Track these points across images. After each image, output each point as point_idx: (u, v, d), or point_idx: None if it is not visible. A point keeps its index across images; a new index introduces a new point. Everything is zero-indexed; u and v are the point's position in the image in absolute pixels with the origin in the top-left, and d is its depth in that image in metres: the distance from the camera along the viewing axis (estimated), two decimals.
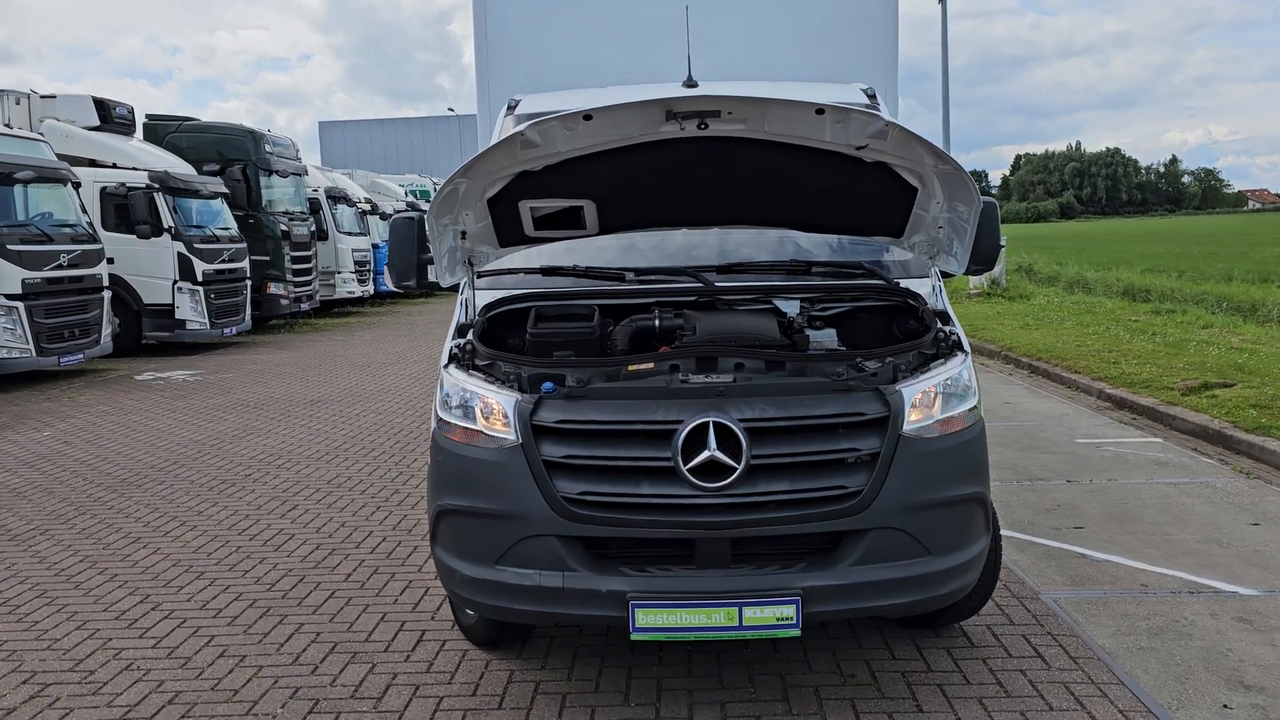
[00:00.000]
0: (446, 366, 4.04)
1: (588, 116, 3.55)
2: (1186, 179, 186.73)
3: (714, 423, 3.50)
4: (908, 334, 4.41)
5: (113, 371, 14.92)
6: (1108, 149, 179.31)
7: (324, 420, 10.35)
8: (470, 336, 4.07)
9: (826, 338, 4.25)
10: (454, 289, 4.54)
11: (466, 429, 3.78)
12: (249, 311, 18.47)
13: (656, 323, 4.26)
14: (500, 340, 4.37)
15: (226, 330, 17.54)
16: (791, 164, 3.89)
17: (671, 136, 3.72)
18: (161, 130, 19.94)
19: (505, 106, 5.22)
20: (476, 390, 3.80)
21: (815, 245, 4.87)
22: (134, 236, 16.19)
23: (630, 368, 3.75)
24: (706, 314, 4.28)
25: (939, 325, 4.06)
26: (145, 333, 16.74)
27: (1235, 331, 14.99)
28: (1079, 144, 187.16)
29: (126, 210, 16.24)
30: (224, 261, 17.43)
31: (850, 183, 4.00)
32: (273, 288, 20.07)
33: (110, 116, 17.28)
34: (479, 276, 4.50)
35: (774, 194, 4.17)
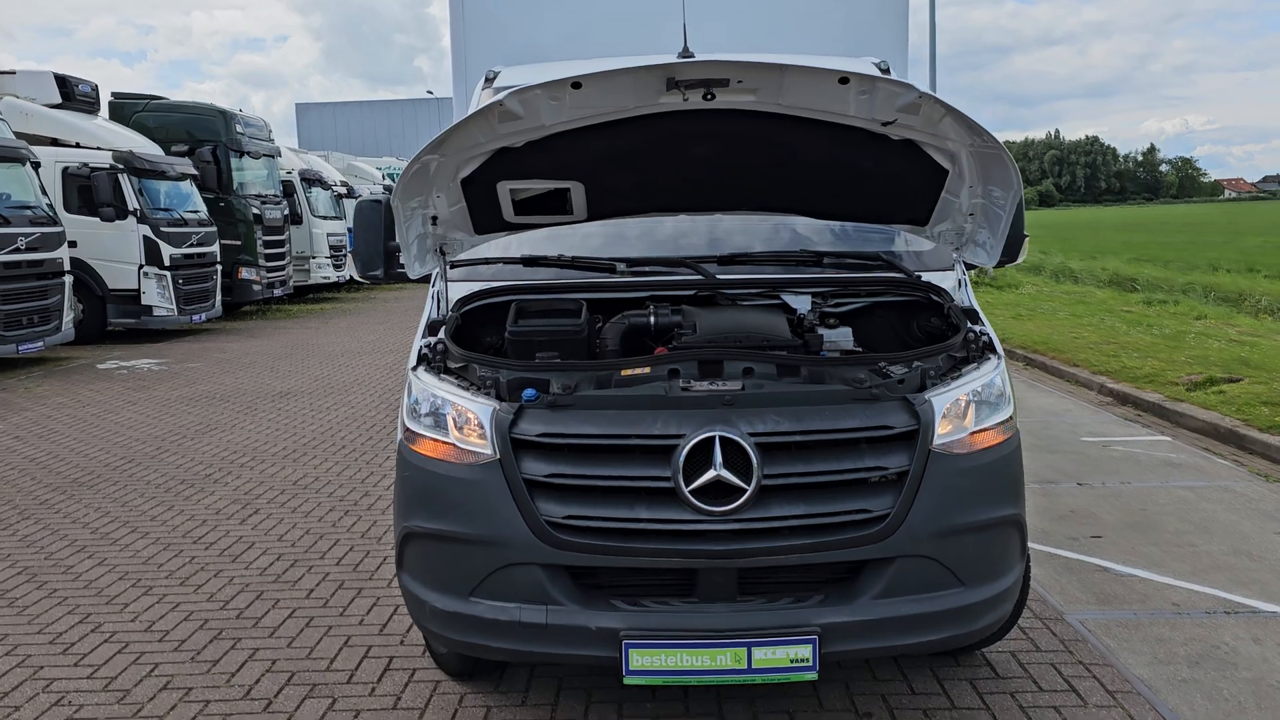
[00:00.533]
0: (415, 369, 3.58)
1: (576, 84, 3.08)
2: (1164, 168, 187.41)
3: (720, 437, 3.06)
4: (930, 334, 3.98)
5: (74, 360, 14.33)
6: (1087, 137, 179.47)
7: (293, 414, 9.85)
8: (442, 335, 3.61)
9: (842, 337, 3.81)
10: (425, 280, 4.07)
11: (437, 441, 3.33)
12: (219, 298, 17.88)
13: (652, 320, 3.81)
14: (476, 339, 3.91)
15: (195, 317, 16.95)
16: (807, 142, 3.44)
17: (672, 109, 3.26)
18: (128, 109, 19.27)
19: (483, 79, 4.74)
20: (448, 397, 3.35)
21: (821, 233, 4.43)
22: (97, 219, 15.58)
23: (623, 372, 3.30)
24: (708, 310, 3.84)
25: (968, 325, 3.63)
26: (110, 319, 16.12)
27: (1230, 323, 14.72)
28: (1058, 132, 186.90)
29: (89, 192, 15.62)
30: (192, 245, 16.81)
31: (872, 164, 3.55)
32: (244, 273, 19.46)
33: (73, 94, 16.64)
34: (452, 267, 4.03)
35: (785, 176, 3.72)
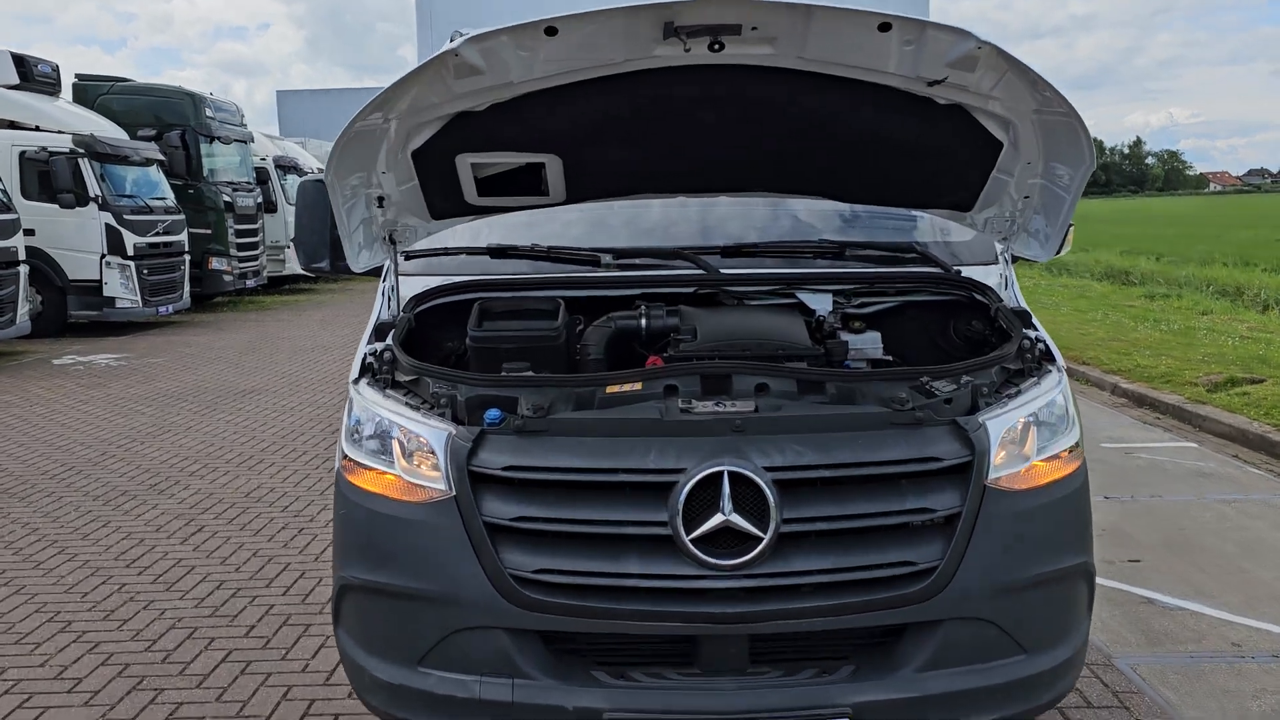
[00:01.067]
0: (356, 382, 2.95)
1: (551, 30, 2.46)
2: (1150, 160, 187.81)
3: (729, 472, 2.45)
4: (970, 340, 3.38)
5: (29, 354, 13.60)
6: None
7: (254, 414, 9.19)
8: (390, 341, 2.98)
9: (869, 344, 3.21)
10: (377, 274, 3.45)
11: (380, 473, 2.71)
12: (188, 289, 17.11)
13: (643, 323, 3.19)
14: (432, 346, 3.29)
15: (161, 309, 16.21)
16: (834, 107, 2.83)
17: (671, 64, 2.64)
18: (92, 91, 18.47)
19: (448, 41, 4.08)
20: (394, 418, 2.73)
21: (835, 220, 3.81)
22: (57, 206, 14.81)
23: (609, 389, 2.69)
24: (710, 311, 3.23)
25: (1022, 330, 3.03)
26: (71, 311, 15.36)
27: (1238, 318, 14.22)
28: None
29: (49, 177, 14.84)
30: (158, 234, 16.05)
31: (912, 135, 2.94)
32: (215, 263, 18.68)
33: (31, 74, 15.85)
34: (406, 259, 3.40)
35: (806, 150, 3.10)
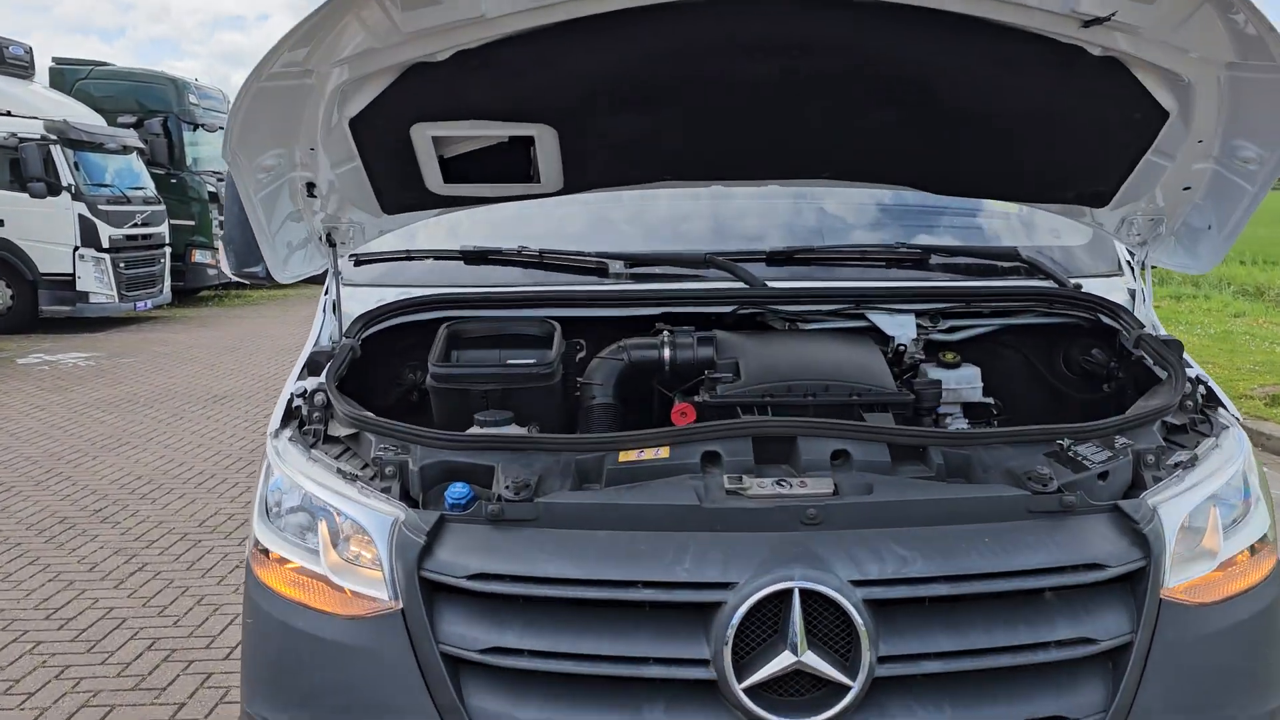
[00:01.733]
0: (277, 434, 2.17)
1: None
2: None
3: (802, 590, 1.67)
4: (1090, 375, 2.60)
5: None
6: None
7: (222, 424, 8.41)
8: (325, 379, 2.19)
9: (966, 384, 2.43)
10: (318, 282, 2.67)
11: (300, 572, 1.93)
12: (168, 283, 16.28)
13: (666, 354, 2.41)
14: (383, 386, 2.50)
15: (140, 304, 15.38)
16: (937, 59, 2.05)
17: None
18: (70, 76, 17.65)
19: None
20: (320, 492, 1.95)
21: (903, 216, 3.03)
22: (27, 195, 14.01)
23: (623, 456, 1.91)
24: (756, 340, 2.45)
25: (1176, 368, 2.24)
26: (42, 306, 14.55)
27: (1273, 321, 13.46)
28: None
29: (18, 165, 14.04)
30: (136, 226, 15.23)
31: (1044, 99, 2.15)
32: (199, 256, 17.86)
33: (2, 56, 15.02)
34: (355, 264, 2.62)
35: (893, 122, 2.30)
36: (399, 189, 2.36)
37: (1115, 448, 1.94)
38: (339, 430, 2.09)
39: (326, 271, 2.52)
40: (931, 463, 1.92)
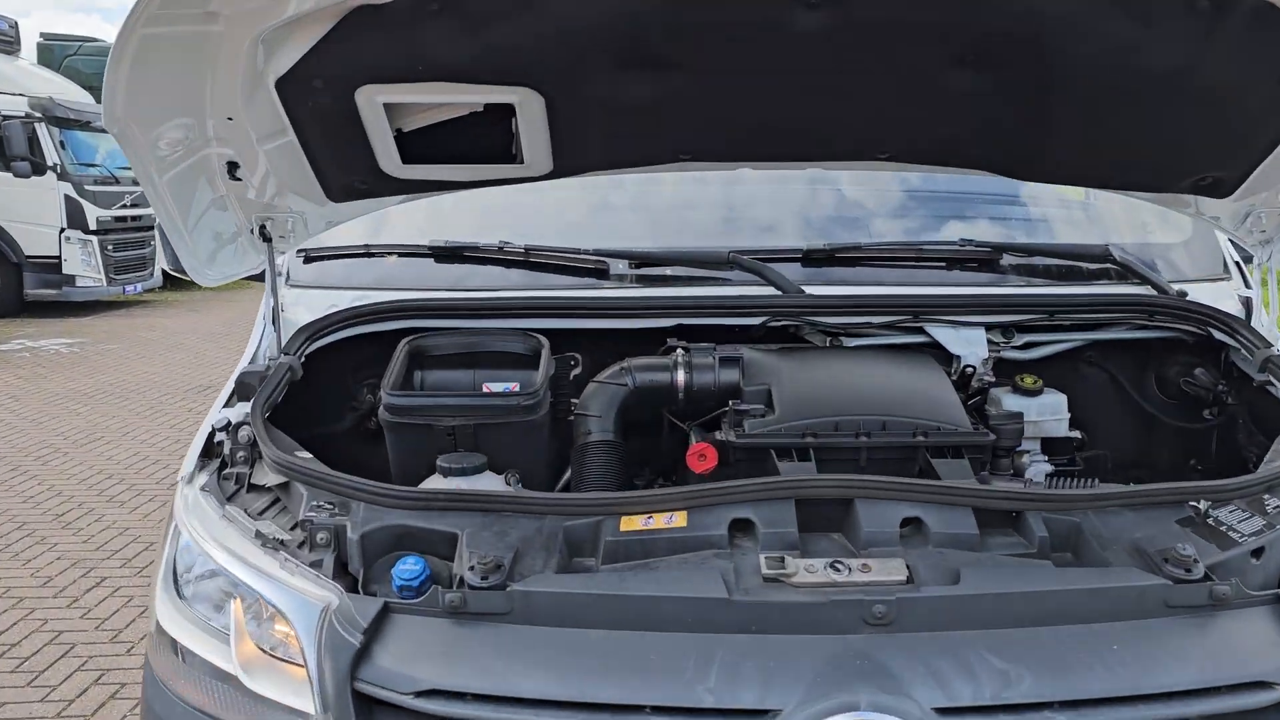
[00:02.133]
0: (191, 478, 1.72)
1: None
2: None
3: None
4: (1187, 399, 2.15)
5: None
6: None
7: (202, 417, 7.96)
8: (252, 409, 1.74)
9: (1050, 415, 1.97)
10: (259, 280, 2.22)
11: (209, 669, 1.49)
12: (159, 266, 15.88)
13: (680, 378, 1.95)
14: (329, 409, 2.05)
15: (129, 288, 15.01)
16: (1059, 8, 1.58)
17: None
18: (58, 52, 17.25)
19: None
20: (235, 568, 1.50)
21: (953, 204, 2.56)
22: (11, 175, 13.59)
23: (624, 523, 1.46)
24: (792, 359, 2.00)
25: None
26: (28, 290, 14.18)
27: None
28: None
29: (2, 143, 13.63)
30: (125, 207, 14.84)
31: (1164, 61, 1.68)
32: None
33: None
34: (305, 261, 2.16)
35: (984, 89, 1.81)
36: (345, 171, 1.89)
37: (1269, 513, 1.50)
38: (264, 478, 1.65)
39: (264, 272, 2.07)
40: (1031, 534, 1.48)
